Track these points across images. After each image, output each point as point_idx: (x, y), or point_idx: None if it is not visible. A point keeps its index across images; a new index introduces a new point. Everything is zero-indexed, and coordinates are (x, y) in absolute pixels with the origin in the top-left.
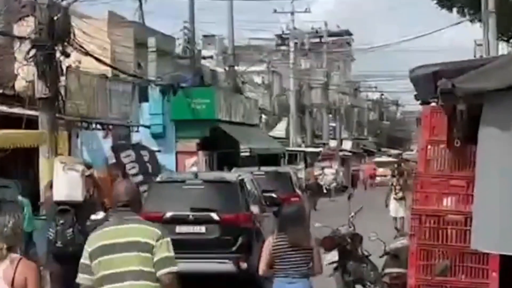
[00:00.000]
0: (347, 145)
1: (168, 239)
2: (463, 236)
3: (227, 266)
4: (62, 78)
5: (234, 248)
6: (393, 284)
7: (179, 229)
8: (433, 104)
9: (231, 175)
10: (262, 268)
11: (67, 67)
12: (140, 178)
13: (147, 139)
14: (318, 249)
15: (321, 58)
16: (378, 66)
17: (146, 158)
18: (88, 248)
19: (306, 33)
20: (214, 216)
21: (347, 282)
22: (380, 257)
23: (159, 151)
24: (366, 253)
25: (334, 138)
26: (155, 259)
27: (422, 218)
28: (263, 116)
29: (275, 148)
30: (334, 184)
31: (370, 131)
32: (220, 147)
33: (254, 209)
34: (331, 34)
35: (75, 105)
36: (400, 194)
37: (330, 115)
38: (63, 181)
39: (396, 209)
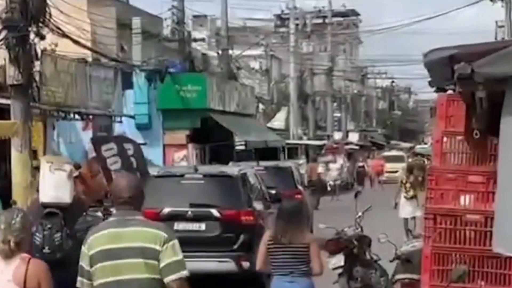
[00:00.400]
0: (354, 137)
1: (175, 241)
2: (483, 238)
3: (228, 265)
4: (37, 63)
5: (235, 247)
6: None
7: (177, 226)
8: (450, 91)
9: (233, 169)
10: (259, 263)
11: (42, 51)
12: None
13: (131, 131)
14: (317, 247)
15: (324, 41)
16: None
17: (130, 152)
18: (87, 252)
19: (308, 13)
20: (215, 212)
21: None
22: (391, 261)
23: (144, 143)
24: (375, 257)
25: (339, 130)
26: (162, 265)
27: (437, 218)
28: (260, 105)
29: (274, 141)
30: (339, 181)
31: (379, 122)
32: (212, 139)
33: (258, 205)
34: (335, 14)
35: (51, 92)
36: (411, 193)
37: (335, 104)
38: (50, 182)
39: (406, 209)
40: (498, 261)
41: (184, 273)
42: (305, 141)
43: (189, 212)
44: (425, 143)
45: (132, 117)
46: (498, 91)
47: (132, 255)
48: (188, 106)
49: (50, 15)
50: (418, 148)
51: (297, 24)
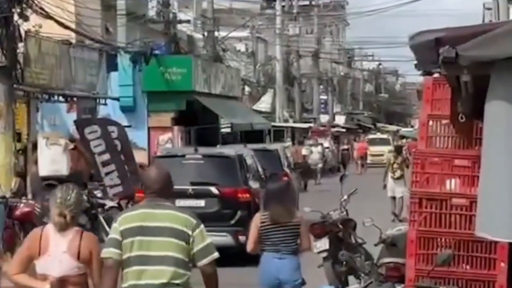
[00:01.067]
0: (340, 120)
1: (202, 225)
2: (468, 222)
3: (226, 239)
4: (20, 45)
5: (232, 222)
6: (390, 275)
7: (179, 203)
8: (436, 74)
9: (230, 150)
10: (250, 244)
11: (26, 32)
12: (106, 156)
13: (116, 113)
14: (305, 225)
15: (311, 23)
16: (375, 32)
17: (114, 135)
18: (119, 227)
19: None
20: (214, 190)
21: (339, 273)
22: (376, 245)
23: (129, 126)
24: (360, 241)
25: (325, 113)
26: (194, 250)
27: (423, 202)
28: (246, 87)
29: (260, 124)
30: (321, 164)
31: (366, 105)
32: (197, 122)
33: (254, 184)
34: None
35: (35, 74)
36: (398, 173)
37: (321, 87)
38: (47, 157)
39: (393, 188)
40: (483, 245)
41: (215, 255)
42: (291, 123)
43: (190, 190)
44: (412, 126)
45: (117, 99)
46: (483, 75)
47: (163, 233)
48: (174, 88)
49: None
50: (404, 131)
51: (283, 6)
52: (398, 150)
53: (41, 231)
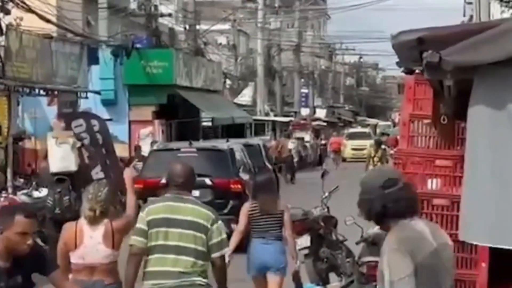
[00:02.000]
0: (321, 113)
1: (220, 221)
2: (450, 222)
3: None
4: (1, 38)
5: (225, 211)
6: (371, 274)
7: None
8: (418, 71)
9: (223, 144)
10: (238, 230)
11: (7, 25)
12: (91, 150)
13: (97, 107)
14: (288, 214)
15: (292, 16)
16: (356, 26)
17: (96, 128)
18: (145, 217)
19: None
20: (207, 181)
21: (320, 270)
22: (357, 243)
23: (110, 119)
24: (341, 238)
25: (306, 106)
26: (210, 242)
27: None
28: (227, 81)
29: (240, 117)
30: (296, 158)
31: (347, 98)
32: (178, 115)
33: (244, 176)
34: None
35: (16, 68)
36: (379, 166)
37: (302, 80)
38: (57, 154)
39: None
40: (464, 246)
41: (226, 250)
42: (272, 117)
43: None
44: (393, 120)
45: (98, 92)
46: (466, 79)
47: (185, 226)
48: (155, 82)
49: None
50: (384, 127)
51: None
52: (378, 143)
53: (76, 225)
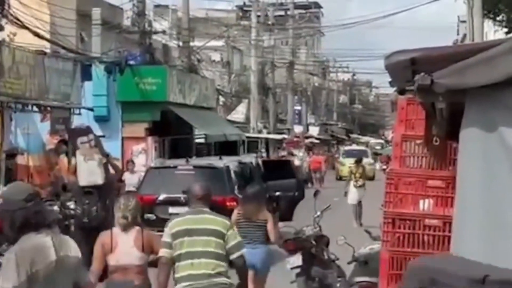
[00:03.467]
0: (314, 131)
1: (234, 227)
2: (441, 243)
3: None
4: None
5: None
6: None
7: (172, 209)
8: (410, 90)
9: (219, 162)
10: None
11: (1, 42)
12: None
13: (90, 123)
14: (272, 221)
15: (286, 33)
16: (350, 44)
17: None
18: (169, 231)
19: (270, 5)
20: None
21: None
22: (349, 263)
23: (103, 136)
24: (332, 257)
25: (299, 123)
26: (228, 245)
27: (396, 222)
28: (221, 98)
29: (234, 134)
30: None
31: (340, 116)
32: (172, 132)
33: (240, 193)
34: (298, 7)
35: (9, 84)
36: (361, 181)
37: (296, 97)
38: (85, 170)
39: (355, 196)
40: None
41: (244, 250)
42: (265, 134)
43: (182, 198)
44: (385, 137)
45: (91, 109)
46: (458, 102)
47: (206, 234)
48: (148, 98)
49: (9, 5)
50: (373, 142)
51: (258, 16)
52: (358, 161)
53: (111, 232)
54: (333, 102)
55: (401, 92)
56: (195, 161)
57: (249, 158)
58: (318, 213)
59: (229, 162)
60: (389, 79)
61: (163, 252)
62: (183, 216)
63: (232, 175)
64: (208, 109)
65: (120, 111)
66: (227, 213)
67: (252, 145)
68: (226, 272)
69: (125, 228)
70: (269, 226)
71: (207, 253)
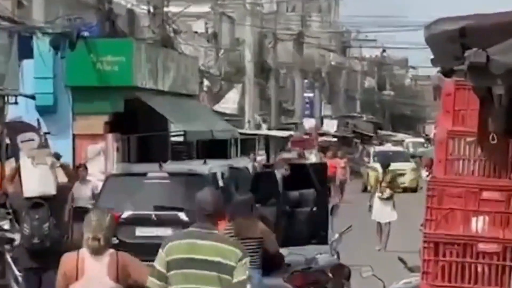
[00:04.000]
0: (331, 126)
1: (247, 258)
2: (501, 275)
3: None
4: None
5: None
6: None
7: (140, 231)
8: (459, 70)
9: (203, 168)
10: None
11: None
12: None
13: (31, 115)
14: (270, 237)
15: None
16: (379, 9)
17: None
18: (165, 257)
19: None
20: (182, 216)
21: None
22: None
23: (48, 133)
24: None
25: (311, 116)
26: (233, 281)
27: (439, 247)
28: (206, 82)
29: (223, 131)
30: None
31: (366, 106)
32: (140, 128)
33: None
34: None
35: None
36: (387, 193)
37: (306, 81)
38: (34, 177)
39: (381, 212)
40: None
41: None
42: (265, 130)
43: (153, 216)
44: (427, 135)
45: (32, 97)
46: None
47: (209, 268)
48: (108, 83)
49: None
50: (411, 142)
51: None
52: (385, 166)
53: (77, 255)
54: (357, 87)
55: (447, 73)
56: (171, 166)
57: (244, 162)
58: (336, 235)
59: (217, 167)
60: (431, 56)
61: (152, 284)
62: (184, 239)
63: (220, 184)
64: (189, 97)
65: (71, 100)
66: None
67: (247, 145)
68: None
69: (97, 252)
70: (269, 246)
71: None
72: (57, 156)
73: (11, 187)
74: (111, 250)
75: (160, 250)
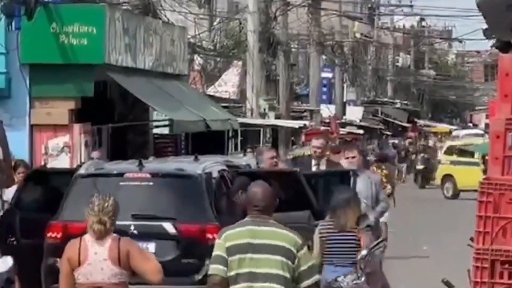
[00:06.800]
0: (355, 114)
1: (306, 247)
2: None
3: None
4: None
5: (198, 277)
6: None
7: None
8: None
9: (194, 166)
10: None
11: None
12: None
13: None
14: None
15: None
16: None
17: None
18: (224, 243)
19: None
20: (169, 227)
21: None
22: None
23: None
24: None
25: (330, 102)
26: (300, 269)
27: (496, 266)
28: (198, 58)
29: (219, 120)
30: None
31: (399, 89)
32: (114, 117)
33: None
34: None
35: None
36: (388, 189)
37: (324, 58)
38: None
39: None
40: None
41: (317, 277)
42: (272, 120)
43: (132, 227)
44: (475, 125)
45: None
46: None
47: (272, 251)
48: (74, 60)
49: None
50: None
51: None
52: (382, 158)
53: (80, 240)
54: (387, 65)
55: (505, 47)
56: (154, 164)
57: (245, 159)
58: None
59: (211, 165)
60: (484, 26)
61: (215, 270)
62: (241, 227)
63: (215, 187)
64: (176, 78)
65: (28, 82)
66: (208, 252)
67: (249, 137)
68: None
69: (100, 236)
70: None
71: (272, 276)
72: (8, 154)
73: None
74: (114, 235)
75: (217, 240)
